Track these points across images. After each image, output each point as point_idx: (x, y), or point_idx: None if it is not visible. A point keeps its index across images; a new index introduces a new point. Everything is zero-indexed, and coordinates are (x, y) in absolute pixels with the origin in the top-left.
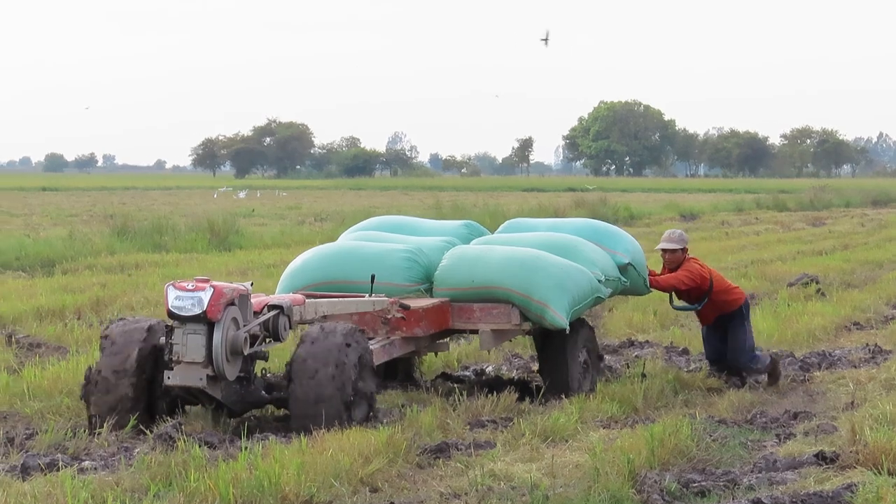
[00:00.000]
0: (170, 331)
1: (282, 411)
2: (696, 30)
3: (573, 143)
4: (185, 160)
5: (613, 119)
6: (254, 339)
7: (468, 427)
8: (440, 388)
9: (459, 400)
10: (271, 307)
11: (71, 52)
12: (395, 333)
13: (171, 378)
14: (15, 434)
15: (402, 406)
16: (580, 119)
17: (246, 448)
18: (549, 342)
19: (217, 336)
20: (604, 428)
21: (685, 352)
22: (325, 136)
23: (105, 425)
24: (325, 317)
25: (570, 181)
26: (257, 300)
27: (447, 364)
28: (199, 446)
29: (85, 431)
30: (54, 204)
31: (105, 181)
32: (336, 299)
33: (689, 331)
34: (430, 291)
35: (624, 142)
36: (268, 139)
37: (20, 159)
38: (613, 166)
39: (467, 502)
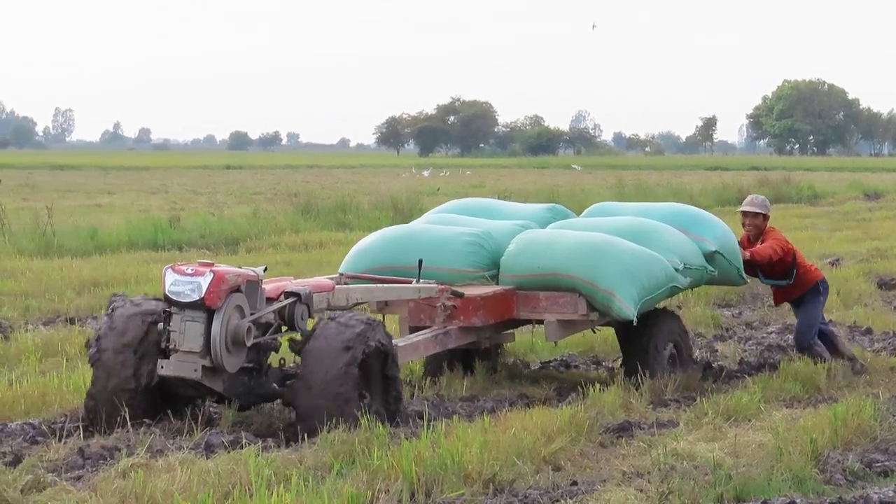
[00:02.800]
0: (167, 317)
1: None
2: (882, 7)
3: (757, 121)
4: (369, 139)
5: (797, 98)
6: (266, 327)
7: (651, 406)
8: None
9: (642, 379)
10: (288, 294)
11: (254, 35)
12: (452, 323)
13: (166, 367)
14: (199, 412)
15: (585, 384)
16: (764, 98)
17: (429, 426)
18: (631, 334)
19: (216, 325)
20: (786, 407)
21: (868, 331)
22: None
23: None
24: (357, 303)
25: (754, 160)
26: (273, 286)
27: None
28: (383, 424)
29: (271, 406)
30: (238, 182)
31: (289, 159)
32: (373, 286)
33: (873, 310)
34: (496, 278)
35: (808, 121)
36: (451, 118)
37: (204, 137)
38: (797, 145)
39: (650, 481)
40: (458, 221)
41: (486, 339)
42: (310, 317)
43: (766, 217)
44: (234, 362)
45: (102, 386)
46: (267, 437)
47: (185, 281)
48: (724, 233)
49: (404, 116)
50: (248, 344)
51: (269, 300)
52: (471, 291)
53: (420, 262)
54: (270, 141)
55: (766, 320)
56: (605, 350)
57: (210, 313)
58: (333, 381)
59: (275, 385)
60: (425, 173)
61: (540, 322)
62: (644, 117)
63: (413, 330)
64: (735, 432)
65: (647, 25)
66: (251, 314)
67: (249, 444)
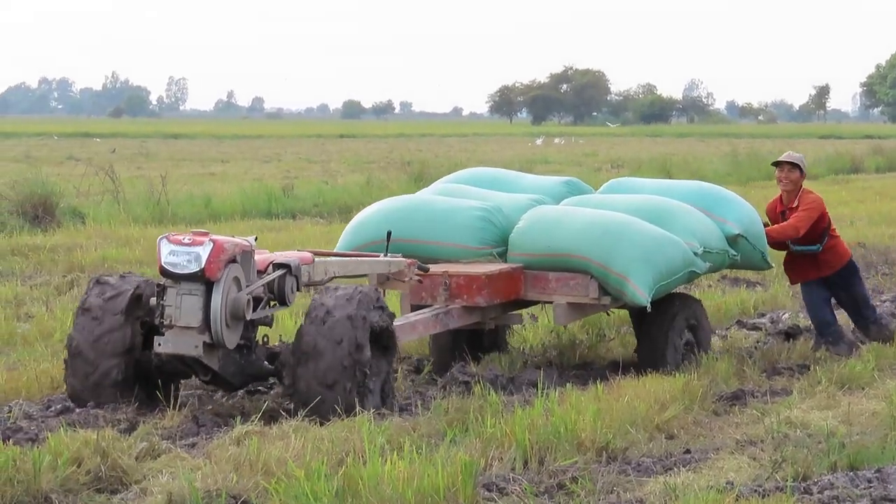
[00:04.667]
0: (161, 290)
1: None
2: None
3: (871, 90)
4: (482, 107)
5: None
6: (256, 301)
7: (764, 375)
8: (735, 336)
9: (756, 347)
10: (277, 266)
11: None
12: (454, 302)
13: (163, 345)
14: (444, 360)
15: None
16: (877, 66)
17: (542, 394)
18: (646, 319)
19: (216, 298)
20: None
21: None
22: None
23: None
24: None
25: (868, 128)
26: (261, 258)
27: (743, 311)
28: (496, 392)
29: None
30: (352, 151)
31: (402, 128)
32: (348, 259)
33: None
34: (504, 256)
35: None
36: (564, 86)
37: (318, 106)
38: None
39: (763, 449)
40: (467, 193)
41: (491, 320)
42: (298, 290)
43: (802, 173)
44: (233, 338)
45: (82, 379)
46: (380, 405)
47: (182, 251)
48: (748, 214)
49: (517, 85)
50: (248, 318)
51: (259, 273)
52: (476, 269)
53: (389, 233)
54: (383, 110)
55: (881, 288)
56: (719, 318)
57: (208, 286)
58: (337, 360)
59: (266, 363)
60: (538, 141)
61: (549, 303)
62: (757, 85)
63: (414, 308)
64: (848, 400)
65: None
66: (246, 286)
67: (362, 412)
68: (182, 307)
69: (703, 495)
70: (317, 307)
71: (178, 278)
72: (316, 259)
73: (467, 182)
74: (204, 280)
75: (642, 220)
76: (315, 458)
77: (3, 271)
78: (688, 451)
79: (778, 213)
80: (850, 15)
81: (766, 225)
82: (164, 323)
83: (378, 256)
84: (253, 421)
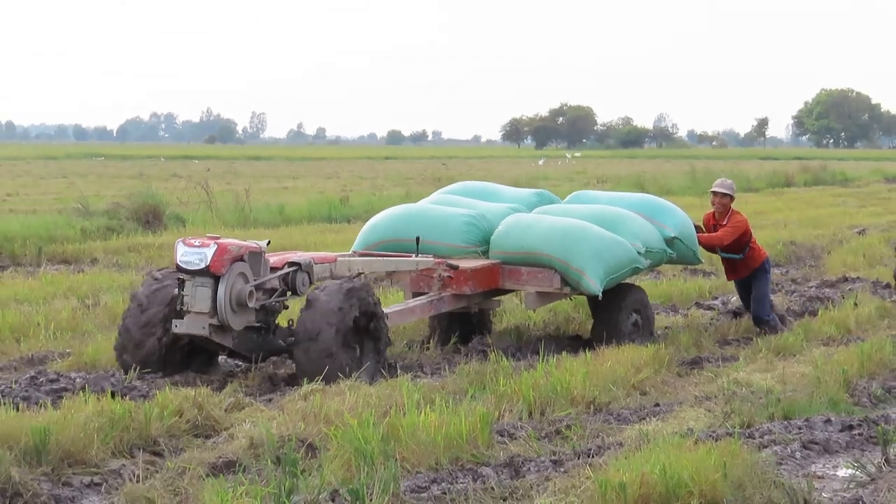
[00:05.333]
0: (181, 283)
1: None
2: None
3: (800, 121)
4: (496, 135)
5: (832, 103)
6: (272, 292)
7: (717, 344)
8: (694, 314)
9: (711, 323)
10: (291, 264)
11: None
12: (446, 290)
13: (179, 326)
14: (444, 338)
15: (666, 328)
16: (805, 103)
17: (543, 360)
18: (600, 304)
19: (221, 289)
20: (824, 345)
21: (887, 286)
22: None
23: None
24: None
25: (798, 152)
26: (280, 257)
27: (700, 294)
28: (507, 358)
29: (418, 346)
30: (395, 170)
31: (433, 152)
32: (372, 258)
33: (891, 269)
34: (487, 254)
35: (840, 121)
36: (560, 118)
37: (368, 135)
38: (832, 140)
39: (716, 403)
40: (459, 202)
41: (475, 305)
42: (311, 284)
43: (731, 198)
44: (240, 321)
45: (131, 353)
46: (416, 369)
47: (193, 252)
48: (683, 220)
49: (524, 117)
50: (251, 305)
51: (275, 269)
52: (463, 264)
53: (417, 239)
54: (419, 137)
55: (808, 277)
56: (682, 300)
57: (216, 279)
58: (324, 337)
59: (281, 342)
60: (540, 162)
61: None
62: (712, 117)
63: (415, 296)
64: (783, 365)
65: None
66: (254, 280)
67: (404, 374)
68: (196, 296)
69: (670, 439)
70: (313, 297)
71: (190, 273)
72: (339, 259)
73: (460, 193)
74: (211, 274)
75: (596, 225)
76: (365, 410)
77: (122, 264)
78: (657, 405)
79: (711, 224)
80: (784, 62)
81: (699, 229)
82: (183, 309)
83: (406, 256)
84: (316, 381)
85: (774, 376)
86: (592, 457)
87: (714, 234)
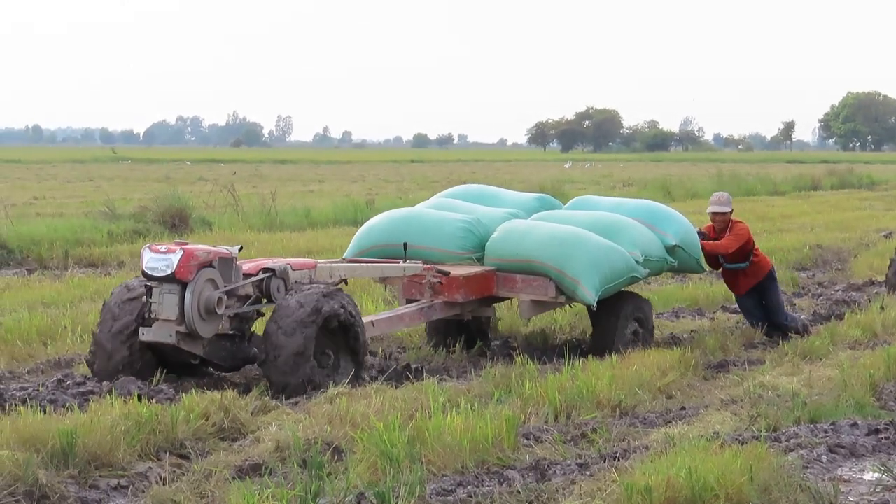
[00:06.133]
0: (149, 290)
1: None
2: None
3: (827, 125)
4: (522, 138)
5: (858, 106)
6: (244, 299)
7: (743, 348)
8: (720, 318)
9: (737, 326)
10: (265, 270)
11: (436, 55)
12: (438, 298)
13: (146, 335)
14: (390, 350)
15: (692, 332)
16: (832, 106)
17: (569, 363)
18: (599, 312)
19: (188, 295)
20: (850, 349)
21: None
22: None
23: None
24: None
25: (824, 155)
26: (255, 264)
27: (727, 298)
28: (533, 362)
29: (442, 349)
30: (420, 173)
31: (459, 155)
32: (356, 265)
33: None
34: (482, 260)
35: (867, 124)
36: (586, 122)
37: (394, 138)
38: (858, 143)
39: (742, 407)
40: (456, 207)
41: (468, 313)
42: (287, 290)
43: (730, 212)
44: (209, 329)
45: (102, 363)
46: (442, 372)
47: (159, 258)
48: (685, 228)
49: (549, 121)
50: (220, 312)
51: (249, 275)
52: (456, 271)
53: (405, 245)
54: (445, 140)
55: (835, 280)
56: (708, 304)
57: (183, 286)
58: (292, 345)
59: (256, 350)
60: (567, 165)
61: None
62: (738, 120)
63: (408, 303)
64: (809, 368)
65: (740, 45)
66: (225, 286)
67: (430, 377)
68: (163, 304)
69: (696, 442)
70: (280, 305)
71: (157, 280)
72: (319, 264)
73: (460, 197)
74: (177, 281)
75: (595, 232)
76: (391, 413)
77: None
78: (683, 408)
79: (712, 236)
80: (810, 65)
81: (702, 235)
82: (151, 317)
83: (397, 262)
84: (342, 384)
85: (801, 380)
86: (618, 460)
87: (718, 241)
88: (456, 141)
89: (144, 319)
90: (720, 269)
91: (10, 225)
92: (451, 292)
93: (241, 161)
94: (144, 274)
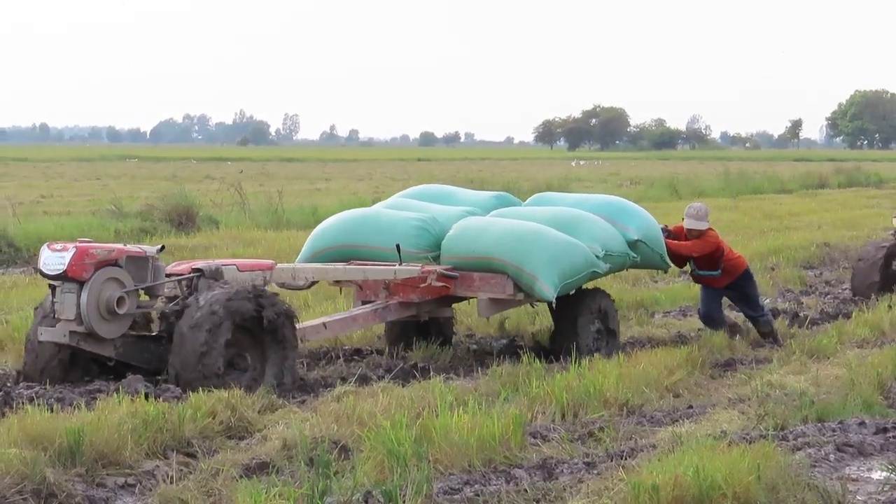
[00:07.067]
0: (53, 290)
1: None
2: None
3: (834, 123)
4: (528, 137)
5: (866, 104)
6: (172, 299)
7: (750, 347)
8: (728, 316)
9: (743, 324)
10: (194, 269)
11: (440, 52)
12: (392, 298)
13: (44, 335)
14: (395, 349)
15: (699, 330)
16: (839, 104)
17: (576, 362)
18: (561, 310)
19: (83, 294)
20: (858, 348)
21: None
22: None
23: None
24: (313, 282)
25: (832, 153)
26: (187, 265)
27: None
28: (540, 360)
29: (450, 347)
30: (427, 171)
31: (466, 153)
32: (328, 266)
33: None
34: (438, 259)
35: (874, 122)
36: (593, 120)
37: (400, 136)
38: (866, 141)
39: (749, 405)
40: (413, 206)
41: (425, 313)
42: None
43: (706, 223)
44: (111, 329)
45: (31, 364)
46: (449, 371)
47: (53, 257)
48: (647, 223)
49: (556, 119)
50: (122, 312)
51: (176, 275)
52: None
53: (398, 246)
54: (452, 139)
55: (842, 279)
56: None
57: (81, 285)
58: (192, 344)
59: None
60: (575, 163)
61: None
62: (745, 119)
63: (363, 304)
64: (817, 367)
65: (747, 44)
66: (135, 287)
67: (437, 375)
68: (64, 303)
69: (703, 441)
70: (188, 304)
71: (52, 278)
72: (278, 266)
73: (417, 196)
74: (73, 279)
75: (554, 228)
76: (398, 412)
77: None
78: (690, 407)
79: (683, 236)
80: (817, 63)
81: (667, 233)
82: (55, 316)
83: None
84: (349, 383)
85: (808, 378)
86: (625, 459)
87: (683, 242)
88: (463, 139)
89: (50, 319)
90: (690, 272)
91: (18, 223)
92: (406, 293)
93: (248, 160)
94: (40, 273)
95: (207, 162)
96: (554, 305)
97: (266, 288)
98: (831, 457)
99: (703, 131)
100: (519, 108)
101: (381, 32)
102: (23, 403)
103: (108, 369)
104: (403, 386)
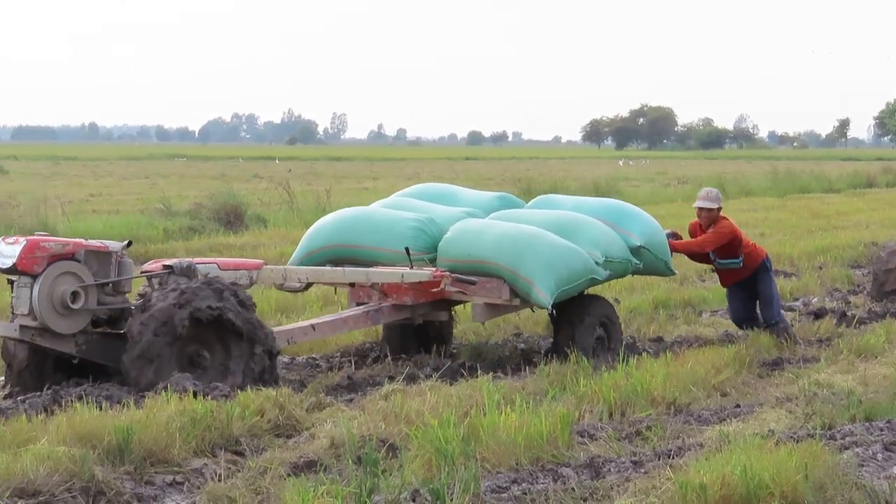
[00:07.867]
0: (12, 284)
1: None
2: None
3: (882, 122)
4: (576, 136)
5: None
6: (142, 296)
7: (798, 345)
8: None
9: (791, 324)
10: (165, 266)
11: (491, 52)
12: (386, 301)
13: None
14: (443, 347)
15: (745, 329)
16: (887, 103)
17: (624, 361)
18: (561, 315)
19: (35, 288)
20: None
21: None
22: (685, 116)
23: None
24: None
25: (880, 153)
26: (159, 262)
27: (781, 296)
28: (587, 359)
29: (497, 344)
30: (475, 170)
31: (514, 153)
32: (323, 268)
33: None
34: (434, 261)
35: None
36: (641, 119)
37: (448, 135)
38: None
39: (797, 405)
40: (411, 206)
41: (419, 317)
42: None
43: (718, 209)
44: (67, 325)
45: (7, 365)
46: (497, 369)
47: (6, 250)
48: (651, 228)
49: (604, 118)
50: (77, 307)
51: (148, 272)
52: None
53: (407, 249)
54: (500, 138)
55: None
56: None
57: (34, 279)
58: (143, 340)
59: None
60: (620, 163)
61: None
62: (793, 118)
63: (357, 305)
64: (865, 366)
65: (795, 43)
66: (94, 281)
67: (484, 374)
68: (19, 297)
69: (750, 440)
70: (144, 302)
71: (2, 272)
72: (267, 266)
73: (417, 196)
74: (26, 273)
75: (553, 232)
76: (446, 411)
77: None
78: (738, 406)
79: (698, 234)
80: (865, 62)
81: (675, 237)
82: (13, 311)
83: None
84: (397, 381)
85: (856, 377)
86: (673, 458)
87: (693, 240)
88: (510, 138)
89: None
90: (713, 264)
91: (67, 221)
92: (399, 295)
93: (296, 159)
94: None
95: (255, 161)
96: (550, 312)
97: (239, 285)
98: (879, 456)
99: (751, 131)
100: (566, 108)
101: (429, 31)
102: (71, 401)
103: (76, 370)
104: (451, 384)
